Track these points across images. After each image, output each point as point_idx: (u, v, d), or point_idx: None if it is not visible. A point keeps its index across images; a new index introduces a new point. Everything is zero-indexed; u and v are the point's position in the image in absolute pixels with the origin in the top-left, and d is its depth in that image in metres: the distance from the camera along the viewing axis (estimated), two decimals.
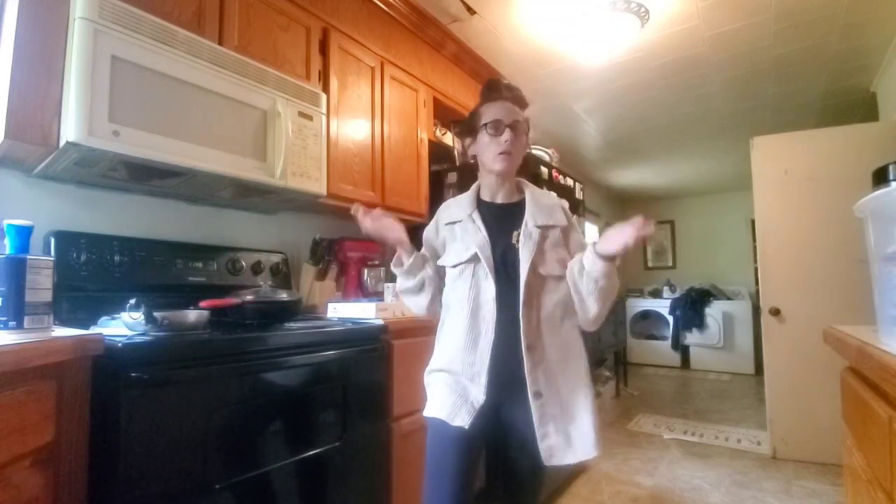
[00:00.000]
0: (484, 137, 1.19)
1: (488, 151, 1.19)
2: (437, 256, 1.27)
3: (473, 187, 1.29)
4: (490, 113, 1.19)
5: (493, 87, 1.25)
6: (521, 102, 1.23)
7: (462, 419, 1.09)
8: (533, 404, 1.10)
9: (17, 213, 1.21)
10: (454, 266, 1.19)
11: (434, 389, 1.19)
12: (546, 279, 1.14)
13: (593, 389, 1.20)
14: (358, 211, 1.20)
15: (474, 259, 1.15)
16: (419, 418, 1.21)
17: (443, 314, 1.23)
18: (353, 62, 1.98)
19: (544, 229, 1.17)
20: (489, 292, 1.13)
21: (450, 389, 1.14)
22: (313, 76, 1.79)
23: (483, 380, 1.10)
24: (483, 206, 1.24)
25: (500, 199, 1.25)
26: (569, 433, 1.10)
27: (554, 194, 1.35)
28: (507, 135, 1.16)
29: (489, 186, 1.26)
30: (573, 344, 1.17)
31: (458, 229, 1.23)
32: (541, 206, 1.21)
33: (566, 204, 1.26)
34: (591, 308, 1.12)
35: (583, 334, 1.21)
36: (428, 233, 1.30)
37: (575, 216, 1.28)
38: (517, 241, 1.16)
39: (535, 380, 1.10)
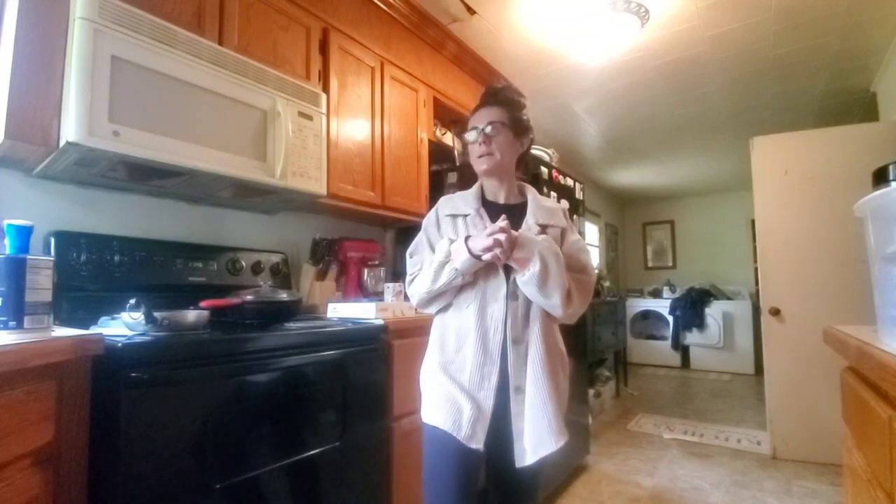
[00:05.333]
0: (469, 143, 1.27)
1: (472, 155, 1.26)
2: (433, 248, 1.26)
3: (476, 186, 1.31)
4: (471, 121, 1.27)
5: (481, 97, 1.31)
6: (505, 103, 1.26)
7: (478, 440, 1.09)
8: (512, 398, 1.11)
9: (17, 213, 1.21)
10: None
11: (438, 395, 1.16)
12: None
13: (568, 385, 1.22)
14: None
15: None
16: (419, 418, 1.21)
17: (443, 311, 1.22)
18: (353, 62, 1.98)
19: (543, 228, 1.21)
20: (500, 290, 1.14)
21: (455, 398, 1.12)
22: (313, 76, 1.79)
23: (494, 381, 1.11)
24: (489, 205, 1.26)
25: (502, 200, 1.28)
26: (542, 430, 1.10)
27: (555, 199, 1.36)
28: (481, 137, 1.22)
29: (490, 188, 1.29)
30: (554, 339, 1.19)
31: (461, 224, 1.23)
32: (542, 208, 1.25)
33: (566, 206, 1.30)
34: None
35: (574, 332, 1.22)
36: (429, 222, 1.29)
37: (575, 216, 1.29)
38: None
39: (518, 374, 1.12)
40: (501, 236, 1.05)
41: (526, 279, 1.09)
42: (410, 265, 1.28)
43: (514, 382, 1.12)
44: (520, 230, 1.17)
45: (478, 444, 1.08)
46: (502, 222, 1.09)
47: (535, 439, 1.09)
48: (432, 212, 1.30)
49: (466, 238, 1.12)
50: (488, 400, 1.11)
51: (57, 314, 1.09)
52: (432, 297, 1.19)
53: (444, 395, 1.14)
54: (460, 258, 1.10)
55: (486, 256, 1.07)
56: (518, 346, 1.12)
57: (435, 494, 1.14)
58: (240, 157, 1.45)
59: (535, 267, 1.08)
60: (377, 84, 2.09)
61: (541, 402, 1.10)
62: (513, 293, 1.14)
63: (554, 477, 2.30)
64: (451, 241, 1.17)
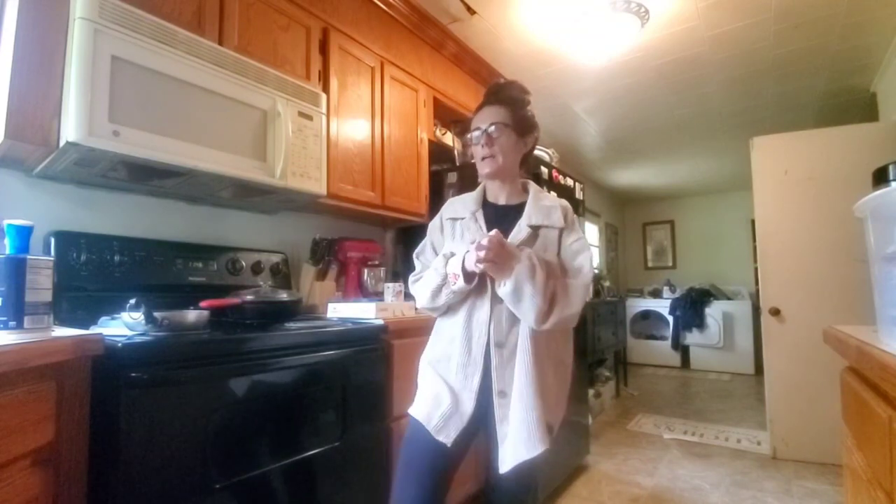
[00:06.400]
0: (472, 145, 1.25)
1: (476, 156, 1.25)
2: (436, 251, 1.29)
3: (479, 188, 1.31)
4: (474, 121, 1.25)
5: (484, 95, 1.29)
6: (508, 102, 1.23)
7: (447, 435, 1.09)
8: (496, 402, 1.10)
9: (17, 213, 1.21)
10: None
11: (425, 390, 1.18)
12: None
13: (562, 391, 1.20)
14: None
15: None
16: None
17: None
18: (353, 62, 1.98)
19: (536, 229, 1.18)
20: (485, 294, 1.14)
21: (438, 394, 1.14)
22: (313, 76, 1.79)
23: (476, 383, 1.11)
24: (487, 207, 1.26)
25: (502, 201, 1.27)
26: (522, 436, 1.07)
27: (554, 195, 1.35)
28: (483, 139, 1.20)
29: (492, 189, 1.28)
30: (545, 343, 1.13)
31: (458, 227, 1.24)
32: (539, 208, 1.21)
33: (567, 204, 1.25)
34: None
35: (574, 332, 1.23)
36: (433, 226, 1.32)
37: (575, 216, 1.27)
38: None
39: (500, 377, 1.10)
40: (483, 251, 1.05)
41: (501, 293, 1.09)
42: (416, 264, 1.33)
43: (498, 386, 1.10)
44: (510, 236, 1.16)
45: (446, 438, 1.09)
46: (488, 236, 1.07)
47: (515, 445, 1.08)
48: (438, 216, 1.32)
49: (463, 261, 1.11)
50: (470, 401, 1.11)
51: (57, 314, 1.09)
52: (435, 309, 1.22)
53: (431, 391, 1.16)
54: (458, 284, 1.11)
55: (479, 269, 1.08)
56: (502, 350, 1.11)
57: (397, 479, 1.16)
58: (240, 157, 1.45)
59: (509, 285, 1.06)
60: (377, 84, 2.09)
61: (524, 409, 1.07)
62: (497, 296, 1.12)
63: (554, 477, 2.30)
64: (446, 257, 1.17)
